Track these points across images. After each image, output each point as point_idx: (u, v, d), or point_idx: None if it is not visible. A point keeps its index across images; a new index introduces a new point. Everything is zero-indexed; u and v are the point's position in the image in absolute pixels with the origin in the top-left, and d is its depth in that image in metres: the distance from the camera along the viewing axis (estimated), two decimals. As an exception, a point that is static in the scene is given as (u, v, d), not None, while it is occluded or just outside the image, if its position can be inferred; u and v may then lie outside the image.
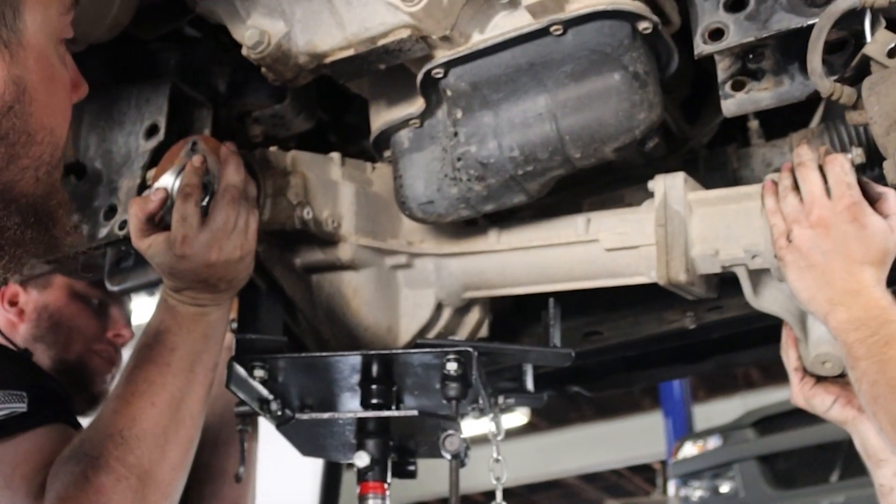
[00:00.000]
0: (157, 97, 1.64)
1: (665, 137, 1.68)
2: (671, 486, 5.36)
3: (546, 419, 12.01)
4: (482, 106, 1.46)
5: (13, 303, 1.98)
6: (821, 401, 1.50)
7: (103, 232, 1.62)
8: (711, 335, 1.94)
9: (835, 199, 1.33)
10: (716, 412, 8.44)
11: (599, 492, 13.59)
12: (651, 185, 1.50)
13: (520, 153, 1.44)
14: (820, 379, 1.51)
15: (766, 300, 1.50)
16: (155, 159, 1.61)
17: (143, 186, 1.61)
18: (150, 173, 1.58)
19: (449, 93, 1.47)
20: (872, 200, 1.34)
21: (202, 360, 1.50)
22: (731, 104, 1.36)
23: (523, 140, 1.43)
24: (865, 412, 1.37)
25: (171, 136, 1.63)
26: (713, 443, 5.25)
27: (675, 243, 1.45)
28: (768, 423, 5.04)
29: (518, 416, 10.59)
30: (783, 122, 1.69)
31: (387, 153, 1.58)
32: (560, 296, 1.61)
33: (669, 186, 1.48)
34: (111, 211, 1.63)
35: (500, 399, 1.64)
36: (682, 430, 7.77)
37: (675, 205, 1.47)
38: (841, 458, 4.56)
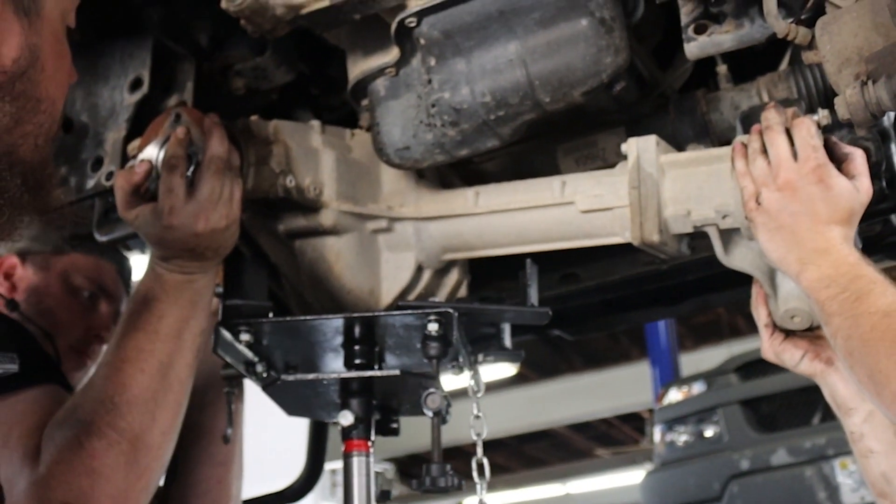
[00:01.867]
0: (141, 52, 1.68)
1: (637, 83, 1.71)
2: (657, 432, 5.42)
3: (536, 370, 12.11)
4: (455, 53, 1.49)
5: (8, 276, 1.97)
6: (790, 355, 1.55)
7: (90, 183, 1.66)
8: (687, 277, 1.98)
9: (801, 161, 1.36)
10: (703, 360, 8.52)
11: (589, 441, 13.75)
12: (624, 147, 1.53)
13: (491, 98, 1.48)
14: (789, 334, 1.55)
15: (737, 258, 1.53)
16: (139, 112, 1.65)
17: (129, 138, 1.64)
18: (134, 144, 1.60)
19: (422, 41, 1.50)
20: (840, 161, 1.38)
21: (189, 326, 1.54)
22: (694, 47, 1.41)
23: (495, 86, 1.47)
24: (841, 365, 1.42)
25: (154, 89, 1.67)
26: (697, 388, 5.30)
27: (648, 204, 1.49)
28: (751, 367, 5.08)
29: (507, 367, 10.68)
30: (751, 66, 1.72)
31: (364, 102, 1.61)
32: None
33: (642, 149, 1.51)
34: (98, 163, 1.67)
35: (480, 356, 1.68)
36: (669, 378, 7.85)
37: (648, 167, 1.50)
38: (822, 401, 4.58)
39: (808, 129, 1.38)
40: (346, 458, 1.55)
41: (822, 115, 1.41)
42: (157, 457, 1.51)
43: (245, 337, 1.55)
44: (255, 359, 1.58)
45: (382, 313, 1.56)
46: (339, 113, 1.92)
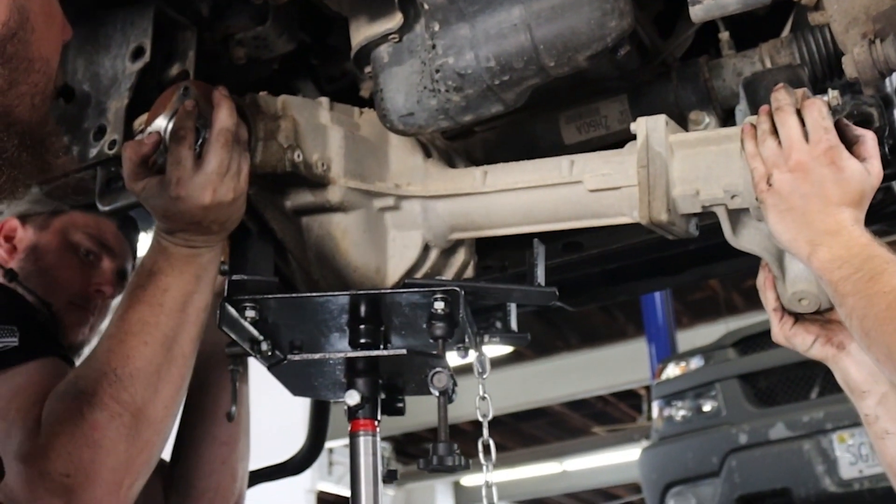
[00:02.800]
0: (142, 20, 1.67)
1: (639, 51, 1.71)
2: (655, 407, 5.44)
3: (532, 348, 12.11)
4: (459, 18, 1.49)
5: (9, 238, 1.98)
6: (801, 340, 1.54)
7: (93, 152, 1.65)
8: (689, 246, 1.99)
9: (812, 143, 1.36)
10: (699, 337, 8.55)
11: (585, 419, 13.78)
12: (633, 127, 1.52)
13: (496, 63, 1.47)
14: (799, 318, 1.55)
15: (745, 239, 1.53)
16: (141, 81, 1.64)
17: (131, 107, 1.63)
18: (141, 119, 1.59)
19: (426, 6, 1.50)
20: (850, 143, 1.37)
21: (194, 300, 1.54)
22: (699, 10, 1.41)
23: (499, 50, 1.47)
24: (857, 345, 1.42)
25: (156, 58, 1.66)
26: (695, 363, 5.32)
27: (656, 184, 1.48)
28: (749, 342, 5.10)
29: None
30: (753, 33, 1.72)
31: (367, 69, 1.60)
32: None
33: (651, 128, 1.50)
34: (100, 132, 1.66)
35: (486, 338, 1.67)
36: (666, 355, 7.86)
37: (657, 146, 1.49)
38: (820, 376, 4.65)
39: (819, 111, 1.37)
40: (353, 437, 1.54)
41: (832, 95, 1.41)
42: (158, 430, 1.51)
43: (250, 314, 1.53)
44: (261, 337, 1.57)
45: (389, 291, 1.55)
46: (339, 83, 1.93)
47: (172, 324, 1.52)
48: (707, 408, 5.09)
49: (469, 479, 13.63)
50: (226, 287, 1.57)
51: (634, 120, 1.52)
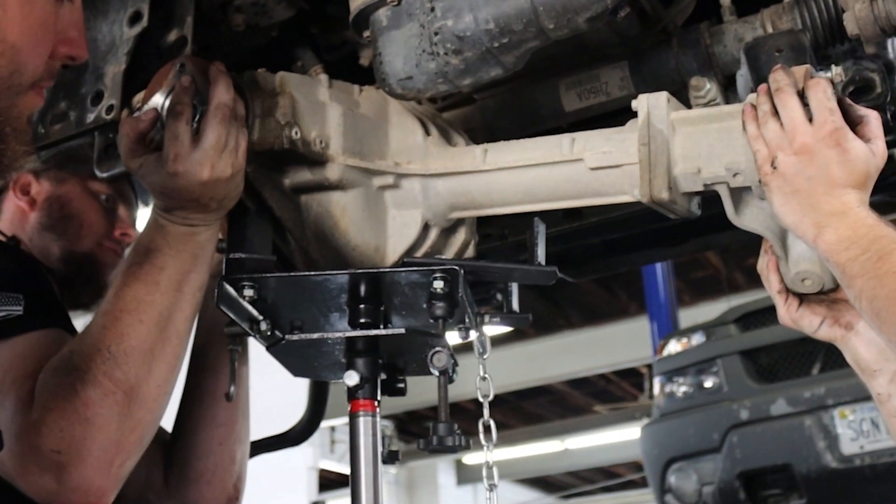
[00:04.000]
0: None
1: (640, 17, 1.70)
2: (656, 383, 5.45)
3: (534, 326, 12.13)
4: None
5: (25, 191, 1.99)
6: (808, 322, 1.52)
7: (91, 117, 1.65)
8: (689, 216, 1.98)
9: (817, 125, 1.34)
10: (701, 316, 8.54)
11: (587, 397, 13.83)
12: (634, 104, 1.51)
13: (495, 25, 1.45)
14: (804, 299, 1.53)
15: (748, 218, 1.52)
16: (138, 46, 1.63)
17: (129, 72, 1.63)
18: (139, 97, 1.58)
19: (425, -32, 1.48)
20: (854, 123, 1.36)
21: (190, 279, 1.53)
22: None
23: (498, 12, 1.45)
24: (866, 326, 1.40)
25: (154, 23, 1.65)
26: (697, 339, 5.32)
27: (657, 162, 1.47)
28: (750, 318, 5.09)
29: (506, 323, 10.69)
30: (755, -1, 1.71)
31: (366, 33, 1.59)
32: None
33: (653, 105, 1.49)
34: (98, 97, 1.65)
35: (486, 318, 1.64)
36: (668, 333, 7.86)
37: (658, 124, 1.48)
38: (822, 352, 4.66)
39: (824, 91, 1.36)
40: (353, 418, 1.52)
41: (836, 72, 1.39)
42: (151, 410, 1.50)
43: (248, 292, 1.51)
44: (259, 317, 1.55)
45: (388, 269, 1.54)
46: (339, 52, 1.91)
47: (168, 302, 1.51)
48: (708, 384, 5.09)
49: (471, 457, 13.70)
50: (223, 265, 1.56)
51: (635, 86, 1.50)
